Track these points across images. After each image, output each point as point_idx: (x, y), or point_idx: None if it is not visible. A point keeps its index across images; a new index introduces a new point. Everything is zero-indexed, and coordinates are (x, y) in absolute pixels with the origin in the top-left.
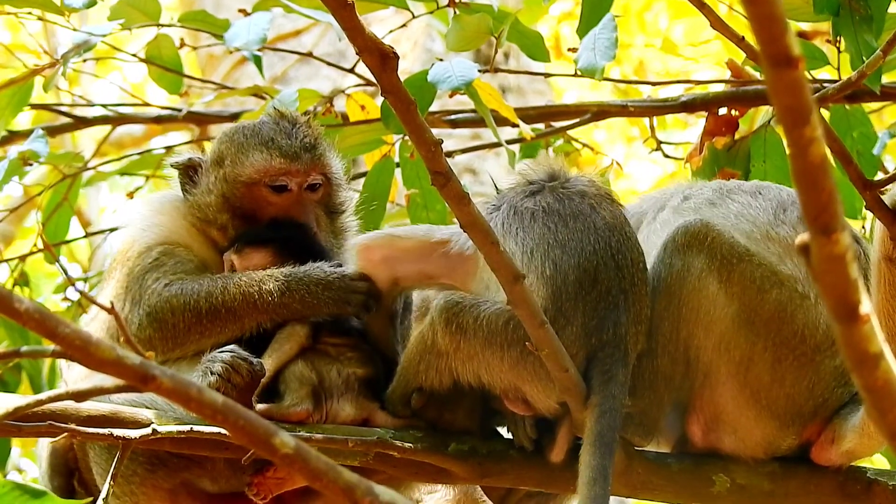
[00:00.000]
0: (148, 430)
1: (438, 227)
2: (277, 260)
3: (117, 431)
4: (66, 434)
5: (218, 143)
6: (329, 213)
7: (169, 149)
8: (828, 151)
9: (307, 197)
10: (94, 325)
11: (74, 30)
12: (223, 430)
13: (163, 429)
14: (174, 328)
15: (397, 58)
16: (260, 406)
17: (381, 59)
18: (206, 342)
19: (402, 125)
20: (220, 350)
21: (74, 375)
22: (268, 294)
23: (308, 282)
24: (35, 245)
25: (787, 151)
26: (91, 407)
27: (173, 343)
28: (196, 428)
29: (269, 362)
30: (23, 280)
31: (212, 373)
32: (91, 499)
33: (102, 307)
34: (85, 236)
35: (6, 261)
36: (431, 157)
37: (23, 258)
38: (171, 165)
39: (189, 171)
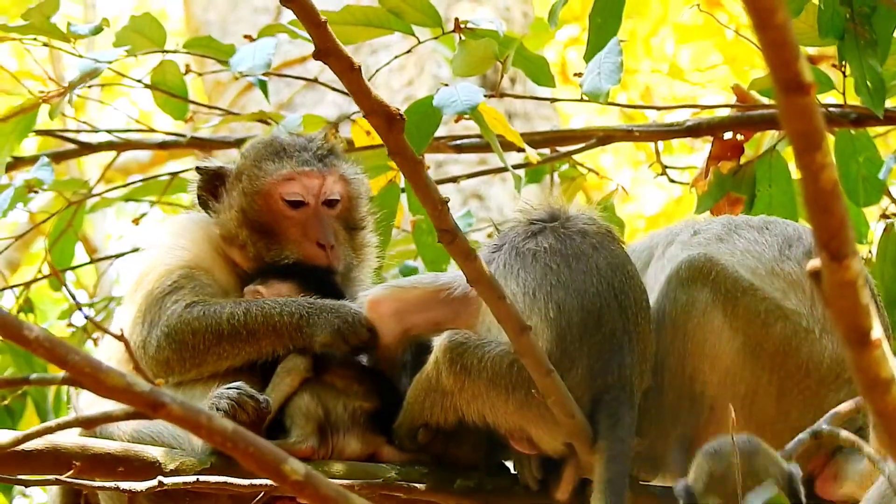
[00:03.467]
0: (154, 483)
1: (440, 273)
2: (303, 294)
3: (123, 484)
4: (73, 471)
5: (239, 158)
6: (348, 228)
7: (175, 175)
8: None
9: (325, 213)
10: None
11: (80, 56)
12: (228, 480)
13: (169, 480)
14: (193, 349)
15: (403, 120)
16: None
17: (387, 120)
18: (224, 364)
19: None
20: (227, 387)
21: (85, 400)
22: (288, 317)
23: (326, 311)
24: (40, 271)
25: (798, 176)
26: (98, 445)
27: (191, 364)
28: (202, 479)
29: (272, 397)
30: (28, 307)
31: (217, 409)
32: None
33: (113, 335)
34: (91, 262)
35: (11, 287)
36: (438, 215)
37: (28, 284)
38: (197, 170)
39: (214, 182)
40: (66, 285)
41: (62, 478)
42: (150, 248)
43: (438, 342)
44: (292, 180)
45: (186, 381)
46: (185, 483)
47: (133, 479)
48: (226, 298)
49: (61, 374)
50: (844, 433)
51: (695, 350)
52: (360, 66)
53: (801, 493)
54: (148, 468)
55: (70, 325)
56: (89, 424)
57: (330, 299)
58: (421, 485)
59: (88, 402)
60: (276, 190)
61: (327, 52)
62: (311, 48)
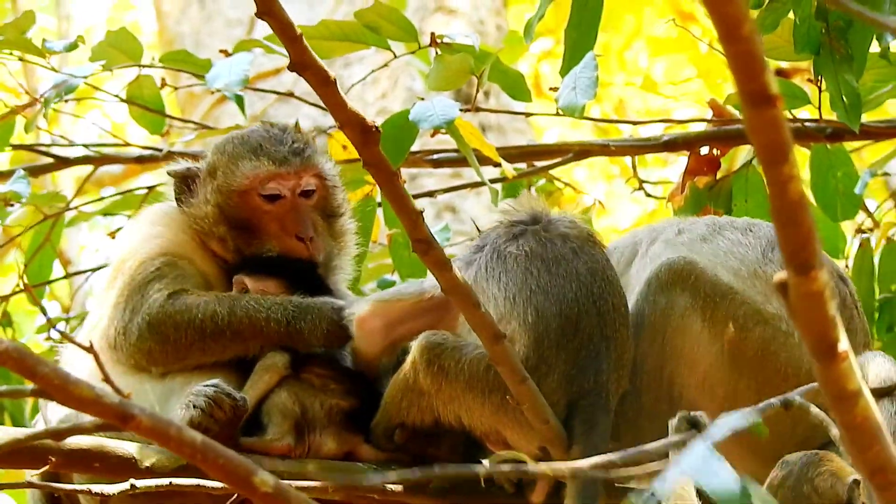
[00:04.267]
0: (126, 486)
1: (422, 280)
2: (288, 291)
3: (95, 487)
4: (47, 467)
5: (212, 154)
6: (326, 216)
7: (151, 188)
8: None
9: (302, 203)
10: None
11: (55, 70)
12: (202, 483)
13: (141, 483)
14: (176, 343)
15: (379, 132)
16: (243, 440)
17: (362, 133)
18: (210, 359)
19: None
20: (205, 384)
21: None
22: (275, 322)
23: (314, 316)
24: (18, 285)
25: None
26: (74, 441)
27: (174, 357)
28: (175, 481)
29: (249, 394)
30: (6, 320)
31: (194, 406)
32: None
33: (83, 347)
34: (66, 276)
35: None
36: (414, 225)
37: (4, 299)
38: (168, 174)
39: (187, 182)
40: (40, 305)
41: (35, 482)
42: (128, 237)
43: (416, 343)
44: (267, 174)
45: (171, 371)
46: (157, 486)
47: (109, 474)
48: (208, 289)
49: (30, 386)
50: (814, 409)
51: (673, 354)
52: (335, 79)
53: None
54: (124, 464)
55: (48, 338)
56: (59, 437)
57: (315, 296)
58: (397, 486)
59: (57, 409)
60: (252, 185)
61: (303, 65)
62: (285, 61)
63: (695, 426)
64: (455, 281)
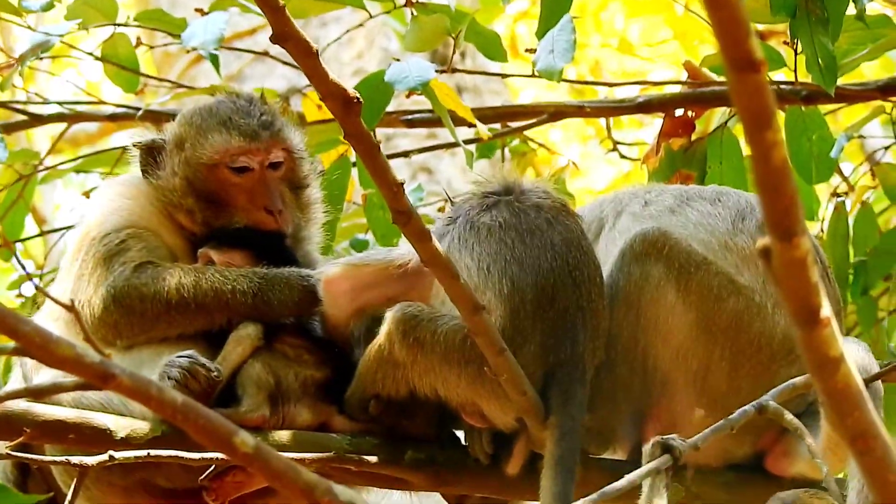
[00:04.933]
0: (105, 457)
1: (392, 248)
2: (255, 263)
3: (74, 459)
4: (23, 438)
5: (178, 125)
6: (293, 188)
7: (125, 148)
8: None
9: (270, 175)
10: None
11: (31, 29)
12: (179, 454)
13: (120, 454)
14: (142, 315)
15: (360, 103)
16: (217, 411)
17: (344, 104)
18: (175, 331)
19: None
20: (179, 355)
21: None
22: (241, 294)
23: (281, 286)
24: None
25: (748, 154)
26: (49, 412)
27: (139, 329)
28: (154, 452)
29: (223, 365)
30: None
31: (169, 377)
32: (50, 494)
33: (64, 305)
34: (40, 234)
35: None
36: (393, 196)
37: None
38: (134, 145)
39: (152, 153)
40: (17, 256)
41: (10, 452)
42: (94, 208)
43: (391, 314)
44: (237, 148)
45: (136, 343)
46: (136, 457)
47: (84, 446)
48: (178, 263)
49: (11, 344)
50: (789, 416)
51: (647, 325)
52: (317, 51)
53: None
54: (99, 435)
55: (20, 295)
56: (39, 395)
57: (282, 266)
58: (372, 457)
59: (34, 367)
60: (221, 159)
61: (285, 36)
62: (260, 20)
63: (668, 451)
64: (435, 252)
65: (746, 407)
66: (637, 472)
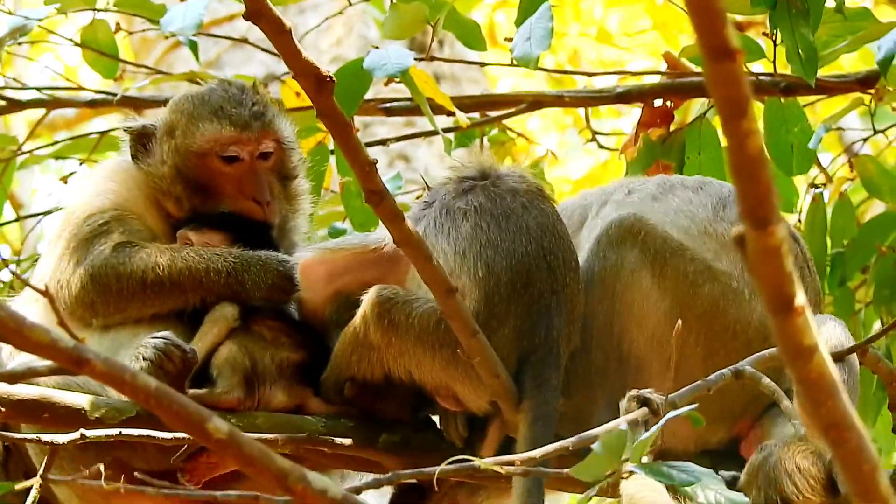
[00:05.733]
0: (76, 435)
1: (368, 233)
2: (233, 245)
3: (45, 437)
4: None
5: (169, 112)
6: (282, 178)
7: (104, 133)
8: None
9: (260, 166)
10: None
11: (9, 13)
12: (150, 433)
13: (91, 433)
14: (118, 294)
15: (333, 82)
16: (192, 392)
17: (317, 83)
18: (150, 311)
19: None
20: (154, 336)
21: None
22: (215, 273)
23: (256, 268)
24: None
25: (724, 144)
26: (23, 391)
27: (115, 308)
28: (125, 431)
29: (198, 346)
30: None
31: (144, 358)
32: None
33: (39, 291)
34: (17, 219)
35: None
36: (366, 176)
37: None
38: (125, 130)
39: (143, 140)
40: None
41: None
42: (80, 189)
43: (367, 297)
44: (228, 138)
45: (112, 324)
46: (107, 436)
47: (58, 425)
48: (156, 243)
49: None
50: (766, 380)
51: (623, 310)
52: (290, 28)
53: None
54: (73, 415)
55: None
56: (13, 380)
57: (259, 250)
58: (346, 440)
59: (12, 352)
60: (212, 148)
61: (258, 14)
62: (239, 7)
63: (645, 404)
64: (407, 233)
65: (723, 371)
66: (614, 422)
